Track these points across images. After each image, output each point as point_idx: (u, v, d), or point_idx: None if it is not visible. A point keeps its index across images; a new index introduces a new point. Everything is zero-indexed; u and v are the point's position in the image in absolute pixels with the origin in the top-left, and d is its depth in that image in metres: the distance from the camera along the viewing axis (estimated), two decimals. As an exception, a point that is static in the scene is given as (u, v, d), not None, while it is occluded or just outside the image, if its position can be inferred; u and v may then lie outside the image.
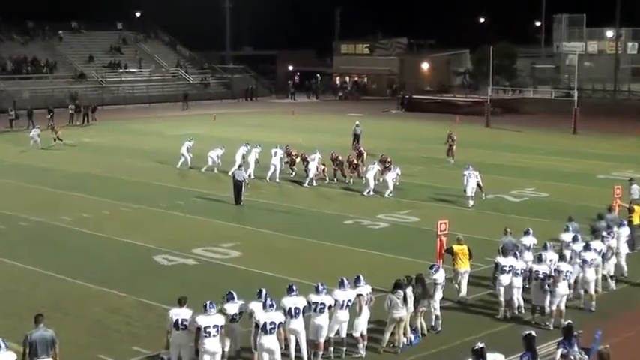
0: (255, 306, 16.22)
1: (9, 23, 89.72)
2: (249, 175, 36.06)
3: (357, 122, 50.14)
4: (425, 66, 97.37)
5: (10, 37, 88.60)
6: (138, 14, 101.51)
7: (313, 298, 16.85)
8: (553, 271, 19.31)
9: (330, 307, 16.93)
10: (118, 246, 26.69)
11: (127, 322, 19.40)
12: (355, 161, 38.05)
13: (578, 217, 24.59)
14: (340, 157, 37.83)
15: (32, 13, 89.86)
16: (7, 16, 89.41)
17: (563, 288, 19.17)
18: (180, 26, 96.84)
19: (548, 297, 19.15)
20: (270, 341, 15.66)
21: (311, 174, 36.62)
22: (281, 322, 15.83)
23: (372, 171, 34.85)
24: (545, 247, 20.55)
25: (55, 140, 49.24)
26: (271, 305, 15.86)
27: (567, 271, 19.33)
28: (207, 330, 15.44)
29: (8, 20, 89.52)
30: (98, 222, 29.80)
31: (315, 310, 16.79)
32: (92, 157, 45.77)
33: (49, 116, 61.11)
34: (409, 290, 17.77)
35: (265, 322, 15.64)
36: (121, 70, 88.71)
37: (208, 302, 15.65)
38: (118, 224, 29.52)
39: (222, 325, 15.71)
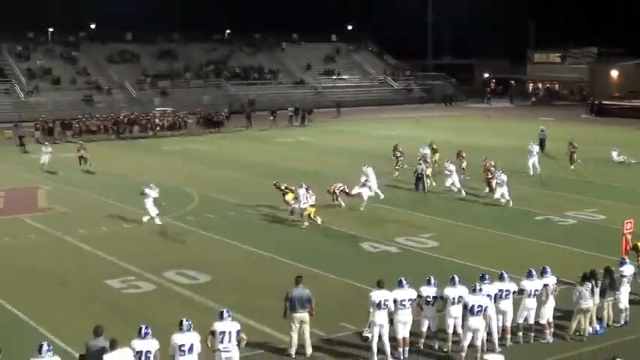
0: (450, 291, 16.20)
1: (240, 36, 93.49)
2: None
3: (542, 127, 47.80)
4: (614, 73, 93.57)
5: (240, 49, 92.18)
6: (350, 27, 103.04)
7: (498, 285, 16.63)
8: None
9: (514, 292, 16.71)
10: (329, 233, 27.10)
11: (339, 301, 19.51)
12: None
13: None
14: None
15: (259, 26, 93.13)
16: (238, 30, 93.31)
17: None
18: (387, 38, 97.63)
19: None
20: (476, 322, 15.76)
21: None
22: (487, 307, 15.87)
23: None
24: None
25: None
26: (480, 290, 15.96)
27: None
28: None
29: (239, 34, 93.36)
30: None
31: (500, 296, 16.57)
32: (308, 154, 46.59)
33: (272, 118, 63.31)
34: (594, 283, 17.29)
35: (474, 305, 15.72)
36: (334, 77, 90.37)
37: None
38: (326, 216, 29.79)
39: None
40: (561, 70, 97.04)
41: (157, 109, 66.99)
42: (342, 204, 29.85)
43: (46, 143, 44.38)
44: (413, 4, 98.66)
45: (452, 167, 33.76)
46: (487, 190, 32.81)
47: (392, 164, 38.18)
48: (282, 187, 29.54)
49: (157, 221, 27.98)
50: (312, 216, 27.85)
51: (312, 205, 27.88)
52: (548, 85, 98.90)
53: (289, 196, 28.94)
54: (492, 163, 33.80)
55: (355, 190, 30.82)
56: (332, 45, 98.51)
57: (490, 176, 32.76)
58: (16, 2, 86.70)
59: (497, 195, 31.09)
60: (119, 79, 78.78)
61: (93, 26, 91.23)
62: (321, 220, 27.76)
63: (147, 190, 28.10)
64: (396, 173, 37.69)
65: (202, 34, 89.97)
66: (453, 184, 33.43)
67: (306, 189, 28.12)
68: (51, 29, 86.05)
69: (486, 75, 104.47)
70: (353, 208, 30.25)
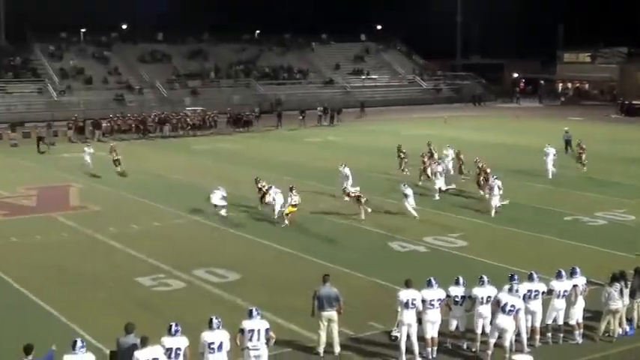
0: (478, 291, 16.13)
1: (269, 36, 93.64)
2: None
3: (566, 129, 46.26)
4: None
5: (270, 48, 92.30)
6: (379, 27, 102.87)
7: (527, 286, 16.52)
8: None
9: (543, 293, 16.60)
10: (358, 232, 27.16)
11: (368, 300, 19.50)
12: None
13: None
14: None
15: (289, 26, 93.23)
16: (267, 30, 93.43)
17: None
18: (416, 37, 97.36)
19: None
20: (506, 321, 15.66)
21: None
22: (519, 309, 15.81)
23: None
24: None
25: None
26: (517, 291, 15.89)
27: None
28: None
29: (268, 33, 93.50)
30: (347, 210, 30.25)
31: (529, 297, 16.46)
32: (337, 153, 46.45)
33: (301, 117, 63.39)
34: (623, 284, 17.10)
35: (507, 303, 15.65)
36: (363, 77, 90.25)
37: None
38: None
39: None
40: (591, 69, 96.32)
41: (188, 108, 67.34)
42: (363, 216, 28.77)
43: (89, 144, 44.26)
44: (442, 4, 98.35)
45: (439, 168, 33.73)
46: (482, 192, 31.76)
47: (410, 165, 38.23)
48: (262, 187, 29.58)
49: (223, 212, 28.87)
50: (286, 214, 27.80)
51: (294, 205, 27.84)
52: (577, 85, 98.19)
53: (269, 196, 29.04)
54: (482, 165, 33.02)
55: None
56: (361, 45, 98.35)
57: (483, 178, 31.80)
58: (50, 3, 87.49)
59: (494, 202, 29.47)
60: (150, 78, 79.18)
61: (124, 27, 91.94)
62: (289, 223, 27.63)
63: (215, 191, 29.15)
64: (405, 172, 37.68)
65: (232, 34, 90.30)
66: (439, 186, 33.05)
67: (290, 188, 28.20)
68: (83, 30, 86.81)
69: (516, 75, 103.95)
70: (380, 207, 30.13)
